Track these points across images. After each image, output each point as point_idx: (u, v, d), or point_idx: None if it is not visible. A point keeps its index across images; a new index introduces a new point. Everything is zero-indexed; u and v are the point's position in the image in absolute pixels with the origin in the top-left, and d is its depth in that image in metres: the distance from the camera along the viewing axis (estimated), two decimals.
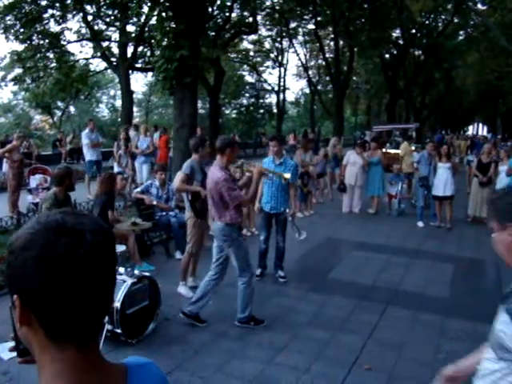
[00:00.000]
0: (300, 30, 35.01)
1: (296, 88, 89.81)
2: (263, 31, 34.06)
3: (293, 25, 33.03)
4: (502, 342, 1.92)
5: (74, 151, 20.04)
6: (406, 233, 10.57)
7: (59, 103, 37.00)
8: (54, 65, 20.66)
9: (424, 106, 42.43)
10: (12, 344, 1.05)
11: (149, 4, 12.95)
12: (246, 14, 24.41)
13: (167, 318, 5.50)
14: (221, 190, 5.17)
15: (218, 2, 16.85)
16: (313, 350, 4.96)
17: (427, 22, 33.04)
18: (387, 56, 36.20)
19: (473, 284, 7.51)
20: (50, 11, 19.70)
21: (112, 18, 21.65)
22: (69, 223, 0.92)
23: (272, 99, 44.98)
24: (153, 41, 13.63)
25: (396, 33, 33.77)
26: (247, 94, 41.68)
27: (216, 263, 5.48)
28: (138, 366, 1.06)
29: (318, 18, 28.28)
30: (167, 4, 11.86)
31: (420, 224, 11.16)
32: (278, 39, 37.48)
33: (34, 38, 19.72)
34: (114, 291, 1.02)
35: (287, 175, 6.25)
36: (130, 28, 21.69)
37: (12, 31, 19.09)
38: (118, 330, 4.74)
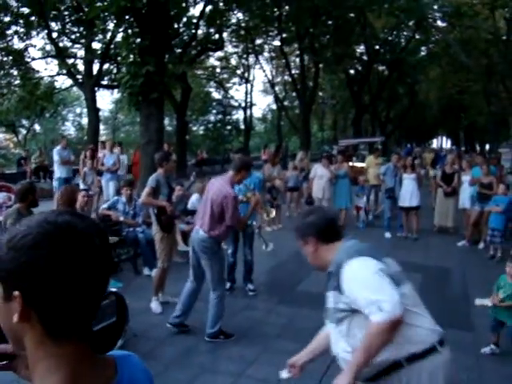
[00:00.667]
0: (266, 46, 35.33)
1: (263, 104, 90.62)
2: (229, 48, 34.29)
3: (259, 41, 33.32)
4: (334, 307, 2.53)
5: (39, 169, 19.72)
6: (373, 244, 10.65)
7: (24, 121, 36.44)
8: (17, 82, 20.40)
9: (389, 120, 43.11)
10: None
11: (114, 21, 12.94)
12: (212, 30, 24.55)
13: (135, 334, 5.44)
14: (227, 205, 5.18)
15: (184, 20, 16.96)
16: (283, 362, 4.89)
17: (390, 38, 33.69)
18: (352, 71, 36.75)
19: (440, 292, 7.62)
20: (14, 28, 19.52)
21: (77, 34, 21.54)
22: (79, 226, 0.96)
23: (239, 115, 45.12)
24: (119, 58, 13.60)
25: (360, 49, 34.35)
26: (214, 111, 41.69)
27: (194, 277, 5.54)
28: (124, 356, 1.11)
29: (284, 35, 28.61)
30: (132, 20, 11.87)
31: (387, 235, 11.30)
32: (244, 56, 37.72)
33: None
34: None
35: (273, 214, 6.43)
36: (96, 45, 21.63)
37: None
38: None
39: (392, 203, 11.50)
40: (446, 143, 71.95)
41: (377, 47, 33.78)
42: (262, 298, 7.05)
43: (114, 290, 5.38)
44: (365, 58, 34.41)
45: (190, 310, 5.59)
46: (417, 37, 32.31)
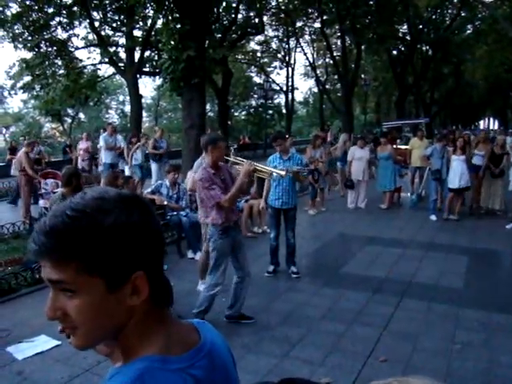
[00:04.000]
0: (306, 29, 34.98)
1: (304, 87, 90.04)
2: (270, 31, 34.08)
3: (299, 24, 33.00)
4: None
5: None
6: (418, 226, 10.50)
7: (69, 110, 37.19)
8: (62, 71, 20.75)
9: (434, 101, 42.19)
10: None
11: (154, 7, 13.01)
12: (251, 14, 24.44)
13: (180, 316, 5.48)
14: (199, 188, 5.18)
15: (224, 4, 16.91)
16: (328, 343, 4.92)
17: (434, 16, 32.84)
18: (395, 52, 35.98)
19: (487, 274, 7.43)
20: (57, 19, 19.83)
21: (118, 23, 21.77)
22: (140, 197, 1.01)
23: (281, 100, 44.95)
24: (160, 44, 13.67)
25: (403, 28, 33.58)
26: (256, 95, 41.58)
27: (234, 268, 5.47)
28: (201, 323, 1.14)
29: (324, 17, 28.21)
30: (172, 6, 11.90)
31: (433, 217, 11.08)
32: (285, 39, 37.46)
33: (41, 45, 19.84)
34: None
35: (282, 172, 6.11)
36: (137, 33, 21.82)
37: (20, 39, 19.25)
38: None
39: (438, 185, 11.26)
40: (494, 124, 70.00)
41: (420, 26, 33.00)
42: (306, 280, 7.01)
43: None
44: (408, 37, 33.66)
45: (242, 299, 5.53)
46: (462, 14, 31.37)
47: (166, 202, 8.20)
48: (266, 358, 4.62)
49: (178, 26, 11.90)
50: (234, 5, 20.17)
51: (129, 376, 0.90)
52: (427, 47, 36.59)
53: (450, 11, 32.20)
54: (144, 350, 0.95)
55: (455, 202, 11.00)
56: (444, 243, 9.05)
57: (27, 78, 22.52)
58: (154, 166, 13.38)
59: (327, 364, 4.50)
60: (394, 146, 13.64)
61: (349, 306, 5.91)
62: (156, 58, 21.96)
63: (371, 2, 26.16)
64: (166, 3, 12.01)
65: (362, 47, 30.18)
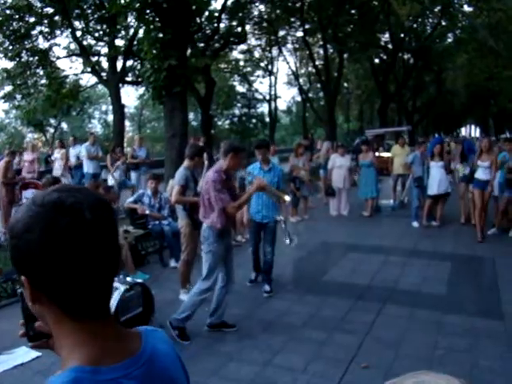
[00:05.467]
0: (289, 37, 35.10)
1: (287, 96, 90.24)
2: (252, 40, 34.13)
3: (281, 33, 33.11)
4: None
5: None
6: (401, 233, 10.56)
7: (51, 120, 36.96)
8: (43, 81, 20.64)
9: (416, 109, 42.50)
10: (21, 331, 1.07)
11: (136, 16, 13.01)
12: (234, 23, 24.48)
13: (162, 325, 5.45)
14: (208, 189, 5.14)
15: (206, 14, 16.93)
16: (309, 351, 4.91)
17: (415, 25, 33.17)
18: (377, 61, 36.27)
19: (469, 280, 7.49)
20: (39, 28, 19.73)
21: (101, 32, 21.69)
22: (66, 202, 0.92)
23: (264, 108, 45.07)
24: (141, 53, 13.65)
25: (385, 37, 33.86)
26: (239, 104, 41.71)
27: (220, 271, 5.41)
28: (149, 330, 1.12)
29: (306, 26, 28.35)
30: (154, 15, 11.91)
31: (415, 224, 11.15)
32: (268, 48, 37.58)
33: (22, 54, 19.72)
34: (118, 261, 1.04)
35: (287, 198, 6.16)
36: (119, 42, 21.75)
37: (1, 49, 19.11)
38: None
39: (420, 192, 11.34)
40: (475, 131, 70.73)
41: (402, 35, 33.29)
42: (289, 287, 7.01)
43: (139, 281, 5.41)
44: (390, 46, 33.92)
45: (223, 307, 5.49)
46: (443, 23, 31.72)
47: (147, 212, 8.16)
48: (248, 366, 4.60)
49: (160, 35, 11.90)
50: (217, 14, 20.18)
51: None
52: (409, 55, 36.93)
53: (430, 20, 32.51)
54: (74, 360, 0.94)
55: (436, 208, 11.07)
56: (426, 249, 9.11)
57: (8, 88, 22.32)
58: (132, 175, 13.34)
59: (309, 371, 4.49)
60: (376, 154, 13.74)
61: (331, 314, 5.91)
62: (139, 66, 21.93)
63: (353, 11, 26.38)
64: (148, 12, 12.02)
65: (345, 56, 30.38)
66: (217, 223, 5.15)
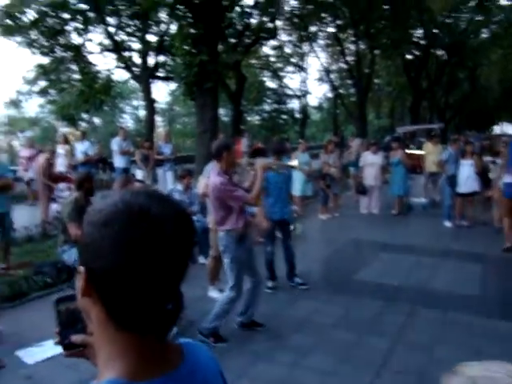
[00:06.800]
0: (320, 33, 34.86)
1: (318, 92, 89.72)
2: (283, 36, 33.97)
3: (313, 29, 32.89)
4: None
5: (99, 161, 20.15)
6: (432, 233, 10.39)
7: (84, 115, 37.44)
8: (77, 76, 20.89)
9: (448, 106, 41.82)
10: (56, 339, 1.10)
11: (168, 12, 13.06)
12: (265, 19, 24.38)
13: (192, 321, 5.45)
14: (220, 194, 5.00)
15: (237, 9, 16.90)
16: (339, 353, 4.85)
17: (449, 21, 32.58)
18: (409, 57, 35.75)
19: (502, 283, 7.32)
20: (73, 24, 19.97)
21: (133, 28, 21.84)
22: (153, 210, 0.90)
23: (295, 104, 44.84)
24: (173, 49, 13.70)
25: (417, 33, 33.33)
26: (269, 100, 41.53)
27: (247, 275, 5.33)
28: (191, 344, 1.10)
29: (338, 21, 28.11)
30: (186, 11, 11.93)
31: (447, 224, 10.94)
32: (299, 44, 37.37)
33: (57, 50, 19.99)
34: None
35: (294, 162, 6.07)
36: (151, 38, 21.86)
37: (36, 45, 19.41)
38: None
39: (453, 191, 11.12)
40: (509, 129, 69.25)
41: (435, 31, 32.75)
42: (318, 287, 6.93)
43: None
44: (422, 42, 33.41)
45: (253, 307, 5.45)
46: (477, 18, 31.09)
47: None
48: (276, 367, 4.56)
49: (192, 30, 11.92)
50: (248, 10, 20.14)
51: None
52: (442, 52, 36.32)
53: (465, 15, 31.90)
54: (109, 372, 0.92)
55: (468, 207, 10.85)
56: (459, 250, 8.93)
57: (43, 83, 22.67)
58: (158, 172, 13.36)
59: (339, 374, 4.43)
60: (408, 152, 13.54)
61: (361, 315, 5.83)
62: (170, 62, 22.05)
63: (385, 7, 26.04)
64: (180, 8, 12.05)
65: (376, 52, 30.04)
66: (237, 224, 5.06)
